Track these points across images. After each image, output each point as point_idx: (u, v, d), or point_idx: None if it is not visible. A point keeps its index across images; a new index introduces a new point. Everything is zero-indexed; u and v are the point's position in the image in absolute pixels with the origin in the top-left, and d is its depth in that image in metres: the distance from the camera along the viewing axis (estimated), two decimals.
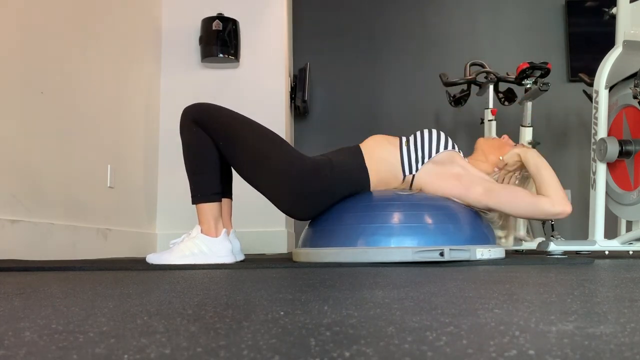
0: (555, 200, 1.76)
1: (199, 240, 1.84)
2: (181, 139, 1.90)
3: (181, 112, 1.90)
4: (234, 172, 1.97)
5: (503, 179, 1.93)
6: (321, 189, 1.85)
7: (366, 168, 1.88)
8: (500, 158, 1.90)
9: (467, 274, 1.19)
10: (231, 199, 2.03)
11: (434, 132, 1.94)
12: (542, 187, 1.79)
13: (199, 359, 0.37)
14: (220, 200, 1.92)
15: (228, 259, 1.87)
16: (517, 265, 1.57)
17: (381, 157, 1.90)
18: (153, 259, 1.85)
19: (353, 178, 1.88)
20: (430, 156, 1.89)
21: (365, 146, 1.93)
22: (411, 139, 1.93)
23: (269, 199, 1.91)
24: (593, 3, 3.65)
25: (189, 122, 1.86)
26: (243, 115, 1.90)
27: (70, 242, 2.53)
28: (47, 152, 2.42)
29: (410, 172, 1.89)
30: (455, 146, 1.94)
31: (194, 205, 1.91)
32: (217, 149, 1.87)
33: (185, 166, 1.91)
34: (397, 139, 1.96)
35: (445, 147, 1.90)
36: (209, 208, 1.87)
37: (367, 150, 1.91)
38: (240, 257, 2.00)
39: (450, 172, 1.87)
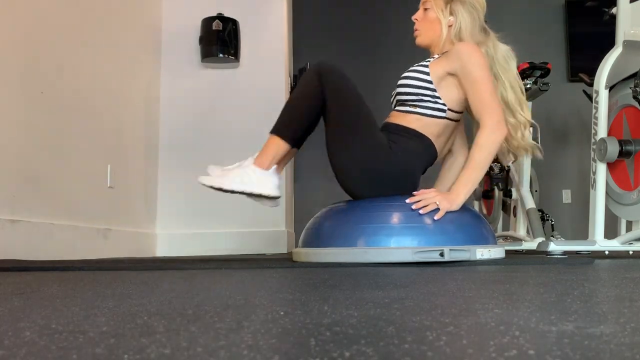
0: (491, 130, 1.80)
1: (250, 170, 1.88)
2: (301, 78, 1.93)
3: (316, 63, 1.92)
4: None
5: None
6: (399, 170, 1.89)
7: (423, 135, 1.91)
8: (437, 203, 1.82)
9: (467, 274, 1.19)
10: (298, 150, 2.06)
11: (407, 80, 1.94)
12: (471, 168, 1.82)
13: (199, 359, 0.37)
14: (291, 146, 1.94)
15: (274, 192, 1.89)
16: (517, 265, 1.57)
17: (420, 125, 1.91)
18: (206, 181, 1.88)
19: (425, 150, 1.93)
20: (433, 90, 1.89)
21: (403, 122, 1.94)
22: (407, 102, 1.94)
23: (342, 174, 1.91)
24: (593, 3, 3.65)
25: (315, 73, 1.88)
26: (357, 91, 1.92)
27: (70, 242, 2.53)
28: (47, 152, 2.42)
29: (444, 111, 1.91)
30: (425, 62, 1.95)
31: (269, 134, 1.94)
32: (320, 109, 1.90)
33: (289, 100, 1.96)
34: (402, 115, 1.96)
35: (427, 73, 1.91)
36: (278, 144, 1.90)
37: (410, 125, 1.92)
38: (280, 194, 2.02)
39: (451, 81, 1.90)
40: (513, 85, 1.98)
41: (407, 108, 1.94)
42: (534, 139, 1.99)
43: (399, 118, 1.96)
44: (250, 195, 1.88)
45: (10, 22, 2.20)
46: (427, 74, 1.90)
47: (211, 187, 1.87)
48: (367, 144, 1.86)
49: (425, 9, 2.02)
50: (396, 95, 1.98)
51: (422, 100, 1.91)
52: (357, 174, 1.89)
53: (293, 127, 1.92)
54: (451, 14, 1.97)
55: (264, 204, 1.94)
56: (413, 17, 2.06)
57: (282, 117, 1.96)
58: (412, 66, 1.98)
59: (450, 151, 2.13)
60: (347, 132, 1.88)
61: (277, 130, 1.93)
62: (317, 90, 1.87)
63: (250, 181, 1.87)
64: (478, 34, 1.98)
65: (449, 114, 1.92)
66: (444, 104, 1.90)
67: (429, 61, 1.95)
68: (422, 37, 2.04)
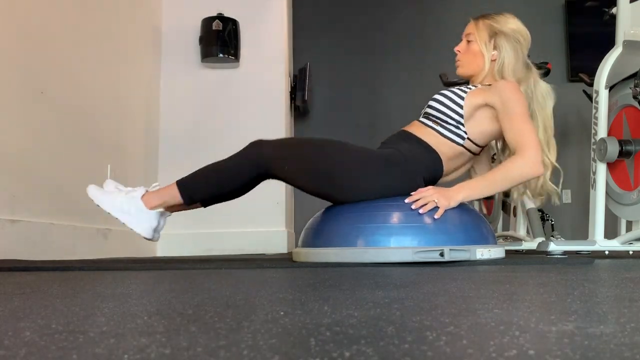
0: (527, 163, 1.76)
1: (134, 202, 1.84)
2: (239, 152, 1.88)
3: (255, 141, 1.87)
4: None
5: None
6: (401, 180, 1.84)
7: (434, 150, 1.88)
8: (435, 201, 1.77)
9: (467, 274, 1.19)
10: (204, 207, 2.02)
11: (439, 97, 1.91)
12: (501, 180, 1.80)
13: (199, 359, 0.37)
14: (188, 206, 1.92)
15: (144, 234, 1.86)
16: (517, 265, 1.57)
17: (434, 141, 1.89)
18: (91, 193, 1.85)
19: (427, 163, 1.89)
20: (461, 116, 1.86)
21: (418, 133, 1.92)
22: (431, 117, 1.91)
23: (349, 198, 1.86)
24: (593, 3, 3.66)
25: (254, 157, 1.84)
26: (305, 140, 1.90)
27: (70, 242, 2.53)
28: (47, 152, 2.42)
29: (462, 138, 1.88)
30: (464, 89, 1.92)
31: (175, 182, 1.89)
32: (241, 189, 1.90)
33: (213, 163, 1.90)
34: (422, 126, 1.94)
35: (462, 98, 1.87)
36: (174, 197, 1.86)
37: (424, 137, 1.90)
38: (157, 237, 1.95)
39: (485, 114, 1.87)
40: (546, 125, 1.95)
41: (429, 122, 1.92)
42: (555, 183, 1.95)
43: (416, 128, 1.94)
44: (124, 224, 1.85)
45: (10, 22, 2.20)
46: (462, 98, 1.87)
47: (92, 200, 1.84)
48: (358, 173, 1.82)
49: (469, 41, 1.99)
50: (426, 107, 1.96)
51: (446, 122, 1.88)
52: (365, 192, 1.84)
53: (198, 191, 1.88)
54: (495, 48, 1.94)
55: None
56: (455, 49, 2.03)
57: (195, 176, 1.89)
58: (452, 87, 1.95)
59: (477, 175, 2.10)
60: (332, 180, 1.82)
61: (181, 184, 1.88)
62: (249, 168, 1.83)
63: (128, 213, 1.83)
64: (521, 70, 1.95)
65: (467, 144, 1.89)
66: (465, 132, 1.87)
67: (469, 89, 1.92)
68: (464, 68, 2.01)
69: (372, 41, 5.23)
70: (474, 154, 1.95)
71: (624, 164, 2.38)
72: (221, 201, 1.97)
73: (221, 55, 3.66)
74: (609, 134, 2.43)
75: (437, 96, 1.93)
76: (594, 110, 2.45)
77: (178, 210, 1.98)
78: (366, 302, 0.68)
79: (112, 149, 3.04)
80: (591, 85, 2.72)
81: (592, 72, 2.63)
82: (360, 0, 5.35)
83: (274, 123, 3.77)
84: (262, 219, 3.64)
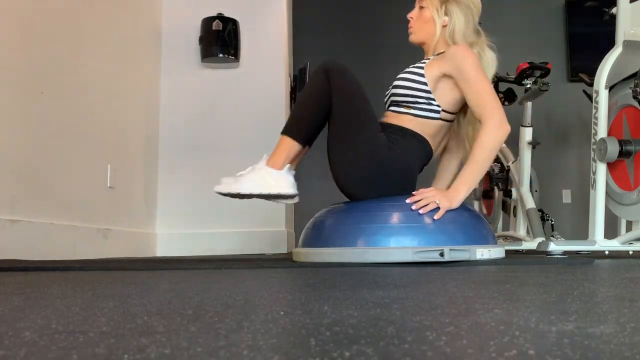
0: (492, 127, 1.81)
1: (265, 172, 1.89)
2: (310, 77, 1.95)
3: (323, 62, 1.94)
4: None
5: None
6: (399, 169, 1.90)
7: (418, 133, 1.93)
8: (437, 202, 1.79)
9: (467, 274, 1.19)
10: (310, 147, 2.05)
11: (401, 82, 1.95)
12: (476, 163, 1.84)
13: (198, 359, 0.37)
14: (303, 146, 1.95)
15: (290, 191, 1.90)
16: (517, 265, 1.57)
17: (414, 125, 1.94)
18: (221, 189, 1.89)
19: (417, 149, 1.94)
20: (429, 92, 1.91)
21: (397, 122, 1.96)
22: (402, 103, 1.95)
23: (341, 173, 1.92)
24: (593, 3, 3.65)
25: (322, 71, 1.90)
26: (363, 91, 1.94)
27: (70, 242, 2.53)
28: (47, 152, 2.42)
29: (438, 112, 1.92)
30: (420, 64, 1.96)
31: (280, 135, 1.94)
32: (329, 107, 1.92)
33: (297, 100, 1.98)
34: (396, 115, 1.98)
35: (422, 75, 1.92)
36: (290, 145, 1.91)
37: (404, 124, 1.95)
38: (297, 194, 1.99)
39: (446, 84, 1.91)
40: None
41: (402, 109, 1.95)
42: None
43: (393, 118, 1.97)
44: (268, 197, 1.89)
45: (10, 22, 2.19)
46: (422, 75, 1.92)
47: (228, 194, 1.88)
48: (369, 145, 1.88)
49: (421, 7, 2.04)
50: (390, 96, 2.00)
51: (417, 102, 1.92)
52: (357, 174, 1.89)
53: (303, 127, 1.93)
54: (446, 14, 1.99)
55: (282, 202, 1.96)
56: (408, 15, 2.09)
57: (292, 118, 1.97)
58: (408, 67, 1.99)
59: (445, 149, 2.16)
60: (350, 132, 1.89)
61: (288, 131, 1.94)
62: (326, 89, 1.89)
63: (266, 183, 1.88)
64: (471, 35, 2.01)
65: (443, 115, 1.94)
66: (438, 106, 1.92)
67: (424, 63, 1.97)
68: (416, 35, 2.06)
69: (372, 41, 5.23)
70: (450, 122, 2.00)
71: (624, 164, 2.38)
72: (320, 130, 2.00)
73: (221, 55, 3.66)
74: (609, 134, 2.43)
75: (397, 82, 1.97)
76: (594, 110, 2.45)
77: (297, 163, 2.03)
78: (366, 302, 0.68)
79: (112, 149, 3.04)
80: (591, 85, 2.72)
81: (592, 72, 2.63)
82: (361, 0, 5.35)
83: (274, 123, 3.76)
84: (262, 219, 3.64)
